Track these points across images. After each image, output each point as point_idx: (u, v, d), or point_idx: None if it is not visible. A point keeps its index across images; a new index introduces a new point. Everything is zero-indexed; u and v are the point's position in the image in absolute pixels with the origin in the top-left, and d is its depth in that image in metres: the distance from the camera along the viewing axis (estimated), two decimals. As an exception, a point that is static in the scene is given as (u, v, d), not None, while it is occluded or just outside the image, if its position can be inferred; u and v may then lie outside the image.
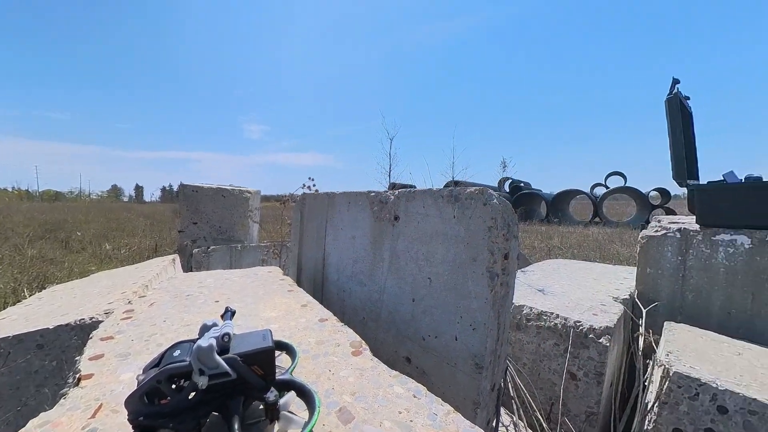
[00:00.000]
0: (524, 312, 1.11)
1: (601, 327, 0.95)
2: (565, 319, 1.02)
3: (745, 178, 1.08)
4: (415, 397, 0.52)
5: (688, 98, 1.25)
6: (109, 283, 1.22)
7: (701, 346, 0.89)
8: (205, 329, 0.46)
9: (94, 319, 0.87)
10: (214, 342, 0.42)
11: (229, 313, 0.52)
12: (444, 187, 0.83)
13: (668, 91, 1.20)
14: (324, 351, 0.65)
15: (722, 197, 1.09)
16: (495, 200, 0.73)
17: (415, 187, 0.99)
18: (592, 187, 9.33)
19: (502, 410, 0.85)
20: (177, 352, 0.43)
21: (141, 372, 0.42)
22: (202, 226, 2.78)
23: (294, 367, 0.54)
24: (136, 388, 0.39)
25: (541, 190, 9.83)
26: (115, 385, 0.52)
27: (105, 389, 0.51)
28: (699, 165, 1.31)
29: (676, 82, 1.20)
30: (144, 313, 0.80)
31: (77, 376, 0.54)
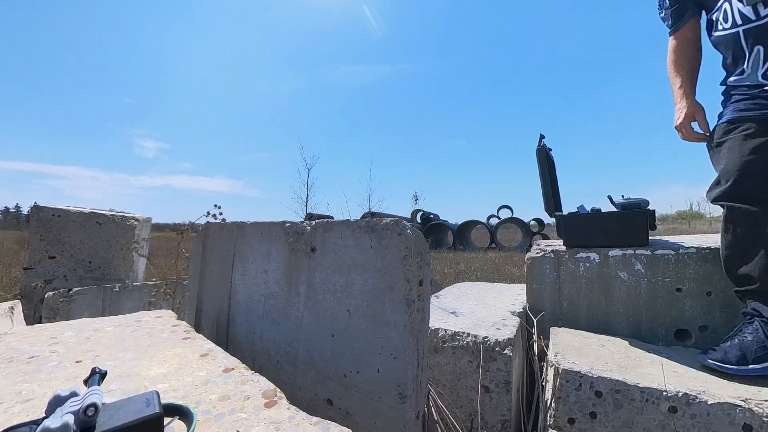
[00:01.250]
0: (440, 335, 1.16)
1: (504, 339, 1.06)
2: (475, 336, 1.10)
3: (591, 210, 1.39)
4: (337, 441, 0.48)
5: (551, 149, 1.58)
6: None
7: (578, 344, 1.07)
8: (57, 403, 0.35)
9: None
10: (70, 419, 0.32)
11: (96, 377, 0.41)
12: (361, 218, 0.85)
13: (537, 144, 1.51)
14: (230, 408, 0.55)
15: (576, 225, 1.38)
16: (409, 230, 0.77)
17: (332, 217, 0.99)
18: (488, 218, 10.74)
19: (426, 438, 0.84)
20: (7, 444, 0.31)
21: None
22: (63, 262, 2.17)
23: (190, 434, 0.45)
24: None
25: (448, 221, 10.84)
26: None
27: None
28: (563, 199, 1.63)
29: (542, 137, 1.52)
30: (-48, 398, 0.57)
31: None
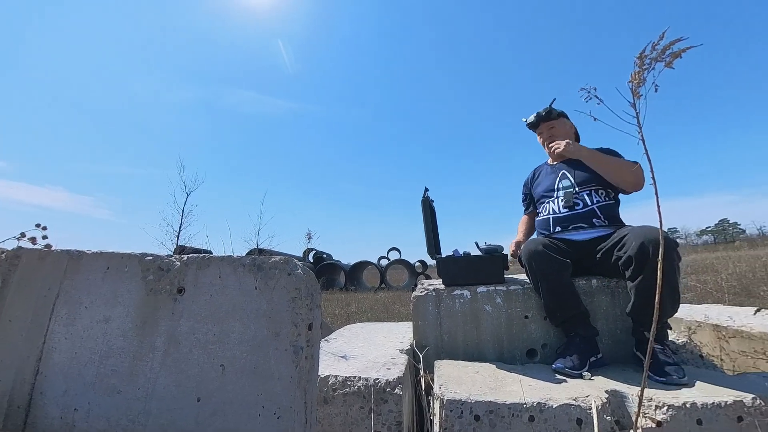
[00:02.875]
0: (330, 383, 1.09)
1: (394, 378, 1.06)
2: (366, 379, 1.07)
3: (463, 253, 1.62)
4: None
5: (433, 200, 1.80)
6: None
7: (457, 374, 1.16)
8: None
9: None
10: None
11: None
12: (247, 254, 0.76)
13: (422, 195, 1.71)
14: None
15: (452, 266, 1.57)
16: (300, 270, 0.73)
17: (211, 252, 0.85)
18: (379, 259, 11.23)
19: None
20: None
21: None
22: None
23: None
24: None
25: (340, 261, 10.84)
26: None
27: None
28: (442, 243, 1.84)
29: (426, 189, 1.73)
30: None
31: None
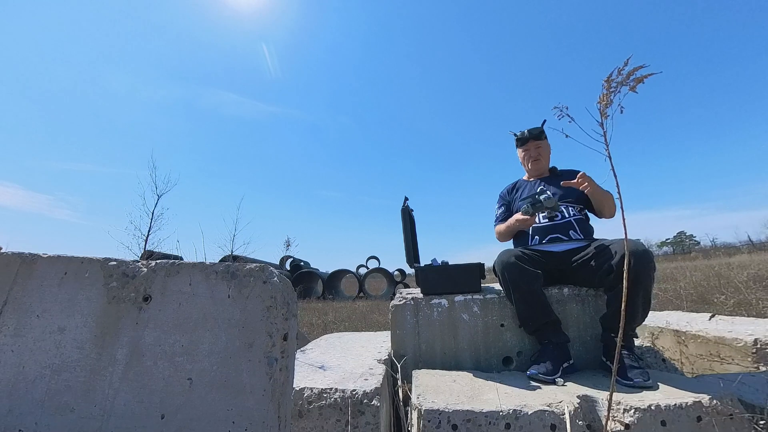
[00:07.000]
0: (305, 395, 1.06)
1: (372, 389, 1.04)
2: (343, 391, 1.05)
3: (441, 262, 1.63)
4: None
5: (413, 210, 1.82)
6: None
7: (435, 384, 1.15)
8: None
9: None
10: None
11: None
12: (220, 261, 0.73)
13: (402, 204, 1.73)
14: None
15: (430, 275, 1.58)
16: (276, 278, 0.71)
17: (181, 258, 0.81)
18: (357, 268, 11.15)
19: None
20: None
21: None
22: None
23: None
24: None
25: (318, 269, 10.66)
26: None
27: None
28: (421, 252, 1.85)
29: (406, 198, 1.75)
30: None
31: None
